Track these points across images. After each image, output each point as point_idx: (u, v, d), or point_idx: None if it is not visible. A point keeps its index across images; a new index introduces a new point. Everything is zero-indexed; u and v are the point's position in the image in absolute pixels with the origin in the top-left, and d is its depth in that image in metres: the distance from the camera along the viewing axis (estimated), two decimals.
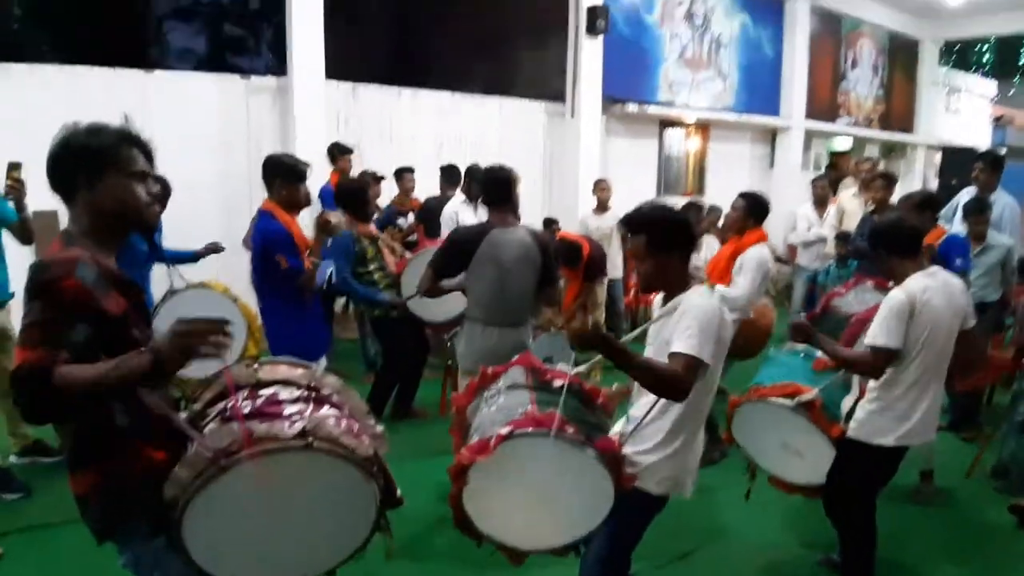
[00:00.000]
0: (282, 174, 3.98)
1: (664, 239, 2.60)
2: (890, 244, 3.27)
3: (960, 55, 22.18)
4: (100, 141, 1.93)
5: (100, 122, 1.98)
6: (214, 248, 5.15)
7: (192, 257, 5.07)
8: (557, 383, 2.61)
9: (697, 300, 2.50)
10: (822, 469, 3.34)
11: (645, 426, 2.59)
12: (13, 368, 1.71)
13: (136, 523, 1.95)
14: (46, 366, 1.67)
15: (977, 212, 5.59)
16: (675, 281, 2.64)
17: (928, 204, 4.99)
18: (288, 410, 2.07)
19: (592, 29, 9.51)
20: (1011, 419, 4.78)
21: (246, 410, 2.04)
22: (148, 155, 2.02)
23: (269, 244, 3.93)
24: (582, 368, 2.86)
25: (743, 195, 4.97)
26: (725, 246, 5.06)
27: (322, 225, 4.01)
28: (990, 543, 4.09)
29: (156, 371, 1.76)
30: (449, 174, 7.20)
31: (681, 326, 2.43)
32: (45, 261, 1.83)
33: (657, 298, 2.86)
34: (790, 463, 3.56)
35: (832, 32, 13.63)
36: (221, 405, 2.11)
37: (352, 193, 5.36)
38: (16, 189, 3.96)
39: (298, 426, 1.99)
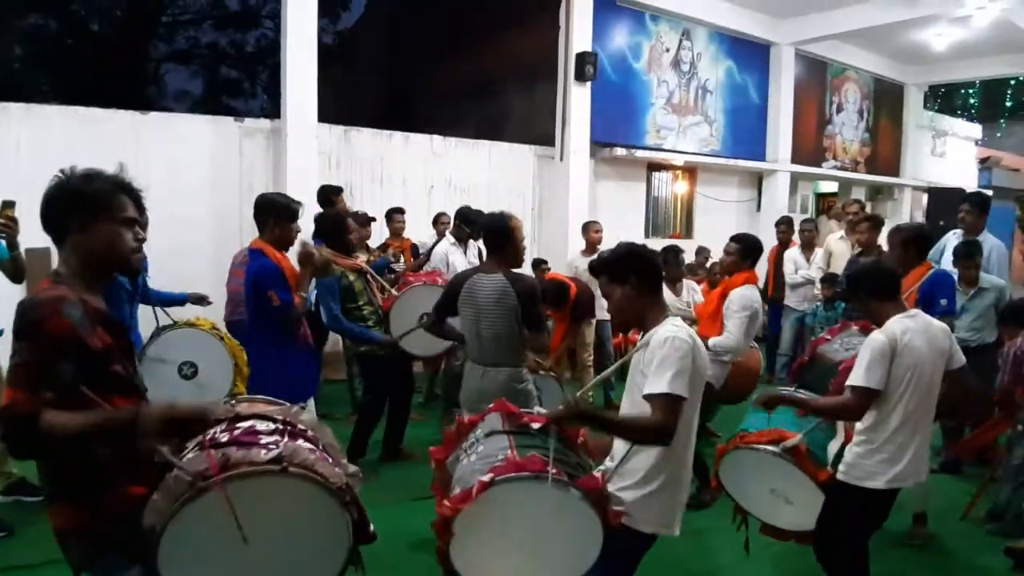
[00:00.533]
0: (276, 213, 4.05)
1: (622, 271, 2.68)
2: (868, 287, 3.31)
3: (945, 99, 22.60)
4: (95, 187, 2.01)
5: (96, 168, 2.06)
6: (200, 298, 5.16)
7: (180, 301, 5.08)
8: (535, 426, 2.62)
9: (668, 333, 2.51)
10: (812, 514, 3.31)
11: (627, 462, 2.58)
12: (2, 407, 1.79)
13: (115, 557, 1.98)
14: (33, 411, 1.77)
15: (967, 256, 5.54)
16: (645, 314, 2.68)
17: (917, 239, 4.87)
18: (264, 439, 2.12)
19: (580, 75, 9.67)
20: (1007, 463, 4.75)
21: (224, 439, 2.09)
22: (138, 203, 2.10)
23: (261, 280, 3.95)
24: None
25: (736, 238, 5.00)
26: (717, 288, 5.07)
27: (305, 257, 4.07)
28: None
29: (134, 434, 1.85)
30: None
31: (654, 364, 2.46)
32: (33, 301, 1.90)
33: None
34: (780, 510, 3.53)
35: (817, 77, 13.87)
36: (199, 437, 2.13)
37: (330, 223, 5.33)
38: (9, 228, 3.98)
39: (274, 452, 2.05)
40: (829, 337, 4.53)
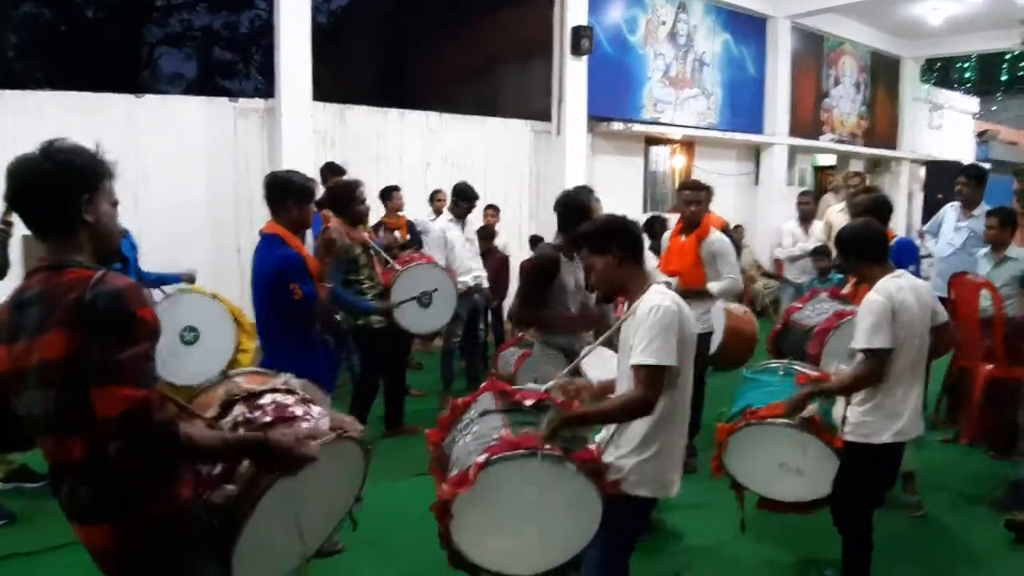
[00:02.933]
0: (294, 193, 3.78)
1: (600, 242, 2.71)
2: (860, 249, 3.35)
3: (942, 72, 22.52)
4: (100, 164, 1.83)
5: (79, 144, 1.84)
6: (192, 278, 5.15)
7: (175, 281, 5.10)
8: (528, 403, 2.65)
9: (653, 302, 2.52)
10: (822, 482, 3.34)
11: (623, 431, 2.61)
12: (125, 408, 1.61)
13: (190, 563, 1.86)
14: (170, 417, 1.69)
15: None
16: (628, 283, 2.70)
17: (878, 208, 4.66)
18: (297, 411, 2.17)
19: (576, 49, 9.62)
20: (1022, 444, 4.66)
21: (266, 419, 2.11)
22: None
23: (285, 272, 3.68)
24: (552, 383, 2.89)
25: (689, 186, 5.15)
26: (688, 239, 4.97)
27: (327, 245, 3.90)
28: (986, 559, 4.01)
29: (253, 460, 1.90)
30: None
31: (640, 334, 2.48)
32: (115, 289, 1.67)
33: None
34: (787, 482, 3.51)
35: (814, 51, 13.81)
36: (230, 419, 2.13)
37: (342, 192, 5.04)
38: (5, 231, 4.01)
39: (325, 420, 2.15)
40: (800, 305, 4.76)
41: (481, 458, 2.35)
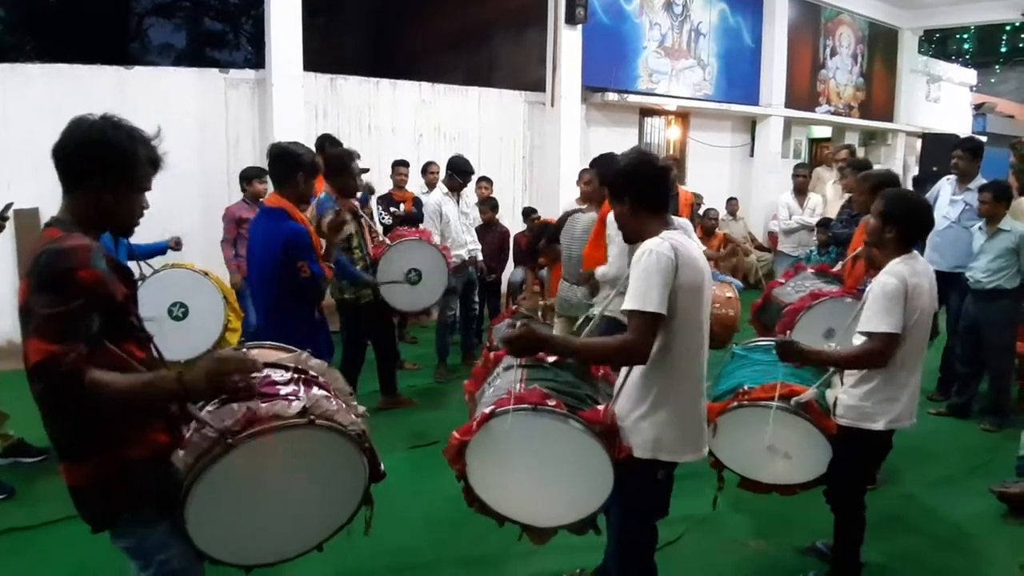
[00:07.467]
0: (303, 166, 3.69)
1: (618, 189, 2.63)
2: (900, 223, 3.11)
3: (940, 44, 22.39)
4: (136, 151, 1.95)
5: (137, 127, 1.99)
6: (178, 241, 5.17)
7: (162, 249, 5.08)
8: (550, 360, 2.65)
9: (649, 245, 2.40)
10: (808, 466, 3.26)
11: (624, 390, 2.54)
12: (35, 360, 1.70)
13: (142, 509, 1.94)
14: (78, 367, 1.70)
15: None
16: (643, 231, 2.54)
17: (887, 185, 4.68)
18: (284, 390, 2.14)
19: (571, 18, 9.50)
20: None
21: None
22: (155, 172, 2.06)
23: (294, 249, 3.61)
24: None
25: (592, 163, 4.91)
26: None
27: (337, 227, 3.83)
28: (977, 531, 4.02)
29: (183, 399, 1.86)
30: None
31: (631, 279, 2.38)
32: (59, 248, 1.79)
33: None
34: (773, 464, 3.36)
35: (811, 21, 13.66)
36: None
37: (337, 163, 4.85)
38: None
39: (298, 405, 2.07)
40: (783, 280, 4.71)
41: (487, 409, 2.40)
